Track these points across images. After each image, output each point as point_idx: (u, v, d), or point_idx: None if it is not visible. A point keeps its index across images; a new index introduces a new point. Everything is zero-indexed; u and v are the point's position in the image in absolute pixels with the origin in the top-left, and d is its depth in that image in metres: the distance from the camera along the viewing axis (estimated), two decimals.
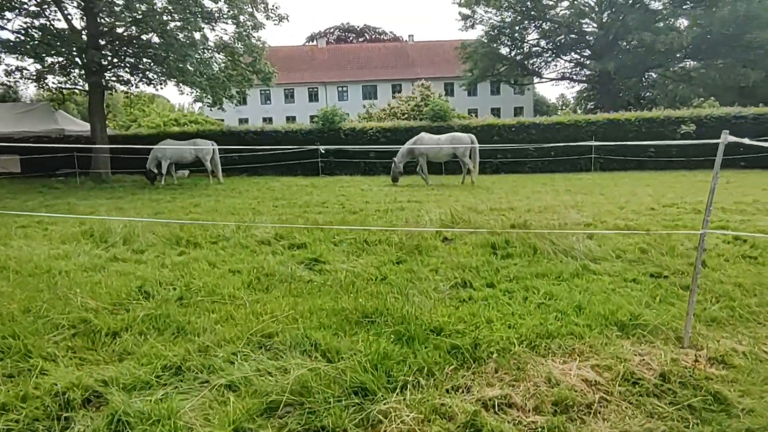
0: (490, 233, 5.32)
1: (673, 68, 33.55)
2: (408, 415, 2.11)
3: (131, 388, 2.30)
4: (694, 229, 6.06)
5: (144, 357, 2.61)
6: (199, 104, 23.00)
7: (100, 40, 15.64)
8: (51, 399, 2.19)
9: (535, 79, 40.06)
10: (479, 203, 8.81)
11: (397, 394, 2.28)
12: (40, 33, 14.83)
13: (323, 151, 17.48)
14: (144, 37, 15.86)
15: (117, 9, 14.38)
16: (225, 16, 16.24)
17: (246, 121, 40.31)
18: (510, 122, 19.34)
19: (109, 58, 16.28)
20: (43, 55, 14.96)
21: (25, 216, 7.68)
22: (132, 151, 16.52)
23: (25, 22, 15.05)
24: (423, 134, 14.10)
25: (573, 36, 34.34)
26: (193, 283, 3.91)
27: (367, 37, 57.98)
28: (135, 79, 17.55)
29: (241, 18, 16.57)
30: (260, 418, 2.12)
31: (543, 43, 36.09)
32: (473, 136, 13.54)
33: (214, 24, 16.34)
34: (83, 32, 15.70)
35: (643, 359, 2.65)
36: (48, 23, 15.25)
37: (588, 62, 35.22)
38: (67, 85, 17.90)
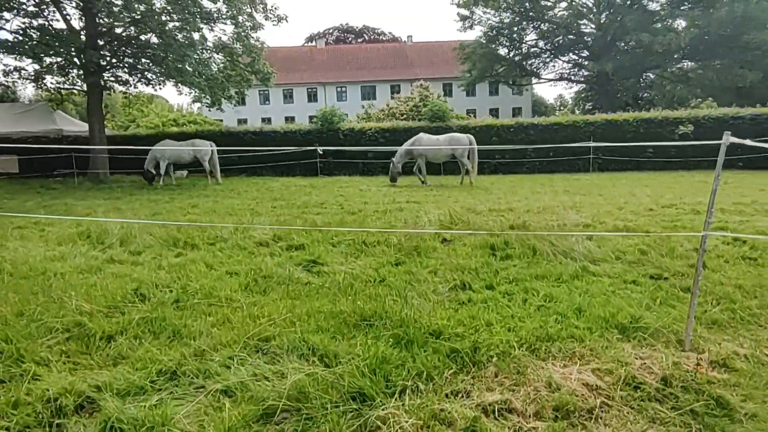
0: (490, 234, 5.30)
1: (670, 69, 33.62)
2: (407, 421, 2.08)
3: (125, 394, 2.26)
4: (694, 230, 6.04)
5: (139, 361, 2.57)
6: (198, 104, 22.90)
7: (98, 41, 15.60)
8: (43, 405, 2.15)
9: (534, 80, 40.10)
10: (478, 204, 8.79)
11: (396, 399, 2.25)
12: (39, 33, 14.78)
13: (321, 152, 17.45)
14: (143, 37, 15.82)
15: (116, 9, 14.34)
16: (224, 16, 16.21)
17: (245, 121, 40.26)
18: (508, 123, 19.34)
19: (108, 59, 16.23)
20: (42, 55, 14.91)
21: (22, 217, 7.63)
22: (130, 152, 16.48)
23: (24, 23, 15.02)
24: (421, 135, 14.07)
25: (571, 37, 34.39)
26: (189, 285, 3.88)
27: (366, 37, 58.00)
28: (133, 80, 17.52)
29: (240, 18, 16.54)
30: (256, 424, 2.09)
31: (541, 43, 36.15)
32: (472, 137, 13.52)
33: (212, 24, 16.32)
34: (82, 32, 15.65)
35: (645, 363, 2.62)
36: (46, 23, 15.21)
37: (586, 63, 35.28)
38: (66, 86, 17.85)
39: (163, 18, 14.96)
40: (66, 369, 2.51)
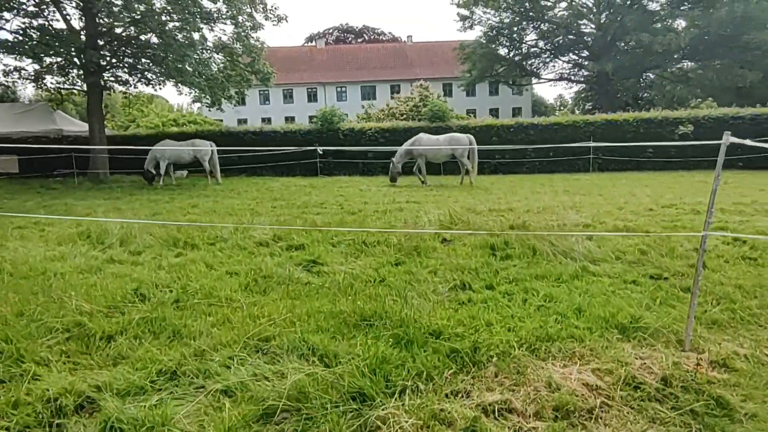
0: (490, 234, 5.30)
1: (670, 69, 33.63)
2: (407, 421, 2.08)
3: (125, 394, 2.26)
4: (694, 230, 6.05)
5: (139, 361, 2.57)
6: (198, 105, 22.92)
7: (98, 41, 15.60)
8: (43, 405, 2.15)
9: (534, 80, 40.11)
10: (478, 204, 8.79)
11: (396, 399, 2.25)
12: (39, 33, 14.78)
13: (321, 152, 17.46)
14: (143, 37, 15.82)
15: (115, 9, 14.34)
16: (224, 16, 16.21)
17: (245, 121, 40.26)
18: (508, 123, 19.34)
19: (108, 59, 16.23)
20: (42, 55, 14.91)
21: (22, 217, 7.63)
22: (130, 152, 16.48)
23: (24, 23, 15.02)
24: (421, 135, 14.07)
25: (571, 37, 34.40)
26: (189, 285, 3.87)
27: (366, 37, 58.00)
28: (133, 80, 17.51)
29: (240, 18, 16.54)
30: (256, 424, 2.09)
31: (541, 43, 36.16)
32: (472, 137, 13.51)
33: (212, 24, 16.32)
34: (82, 32, 15.65)
35: (644, 363, 2.63)
36: (46, 23, 15.21)
37: (586, 63, 35.28)
38: (66, 86, 17.85)
39: (163, 18, 14.96)
40: (66, 369, 2.51)
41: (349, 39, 57.75)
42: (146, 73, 17.04)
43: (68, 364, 2.57)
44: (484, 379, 2.46)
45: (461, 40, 36.31)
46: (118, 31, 15.87)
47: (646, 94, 38.41)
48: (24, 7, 14.82)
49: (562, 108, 54.14)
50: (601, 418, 2.16)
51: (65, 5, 15.39)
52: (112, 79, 17.38)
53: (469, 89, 38.41)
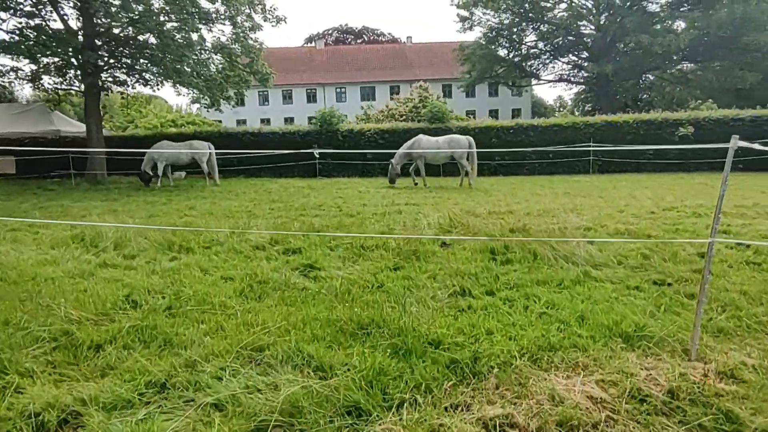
0: (489, 238, 5.21)
1: (670, 70, 33.64)
2: None
3: (111, 408, 2.17)
4: (696, 233, 5.97)
5: (127, 372, 2.48)
6: (197, 105, 22.81)
7: (96, 41, 15.51)
8: (24, 421, 2.06)
9: (533, 81, 40.09)
10: (477, 206, 8.71)
11: (393, 413, 2.16)
12: (36, 33, 14.69)
13: (318, 155, 17.39)
14: (141, 37, 15.74)
15: (113, 9, 14.27)
16: (222, 17, 16.14)
17: (244, 122, 40.19)
18: (508, 124, 19.29)
19: (106, 59, 16.14)
20: (39, 55, 14.83)
21: (15, 220, 7.53)
22: (128, 153, 16.38)
23: (20, 23, 14.92)
24: (421, 136, 14.00)
25: (571, 38, 34.39)
26: (183, 291, 3.79)
27: (366, 38, 57.97)
28: (131, 80, 17.42)
29: (239, 19, 16.48)
30: None
31: (541, 45, 36.16)
32: (471, 139, 13.44)
33: (211, 25, 16.25)
34: (79, 33, 15.56)
35: (650, 374, 2.54)
36: (43, 23, 15.11)
37: (586, 64, 35.27)
38: (63, 86, 17.75)
39: (161, 18, 14.89)
40: (51, 381, 2.42)
41: (349, 40, 57.71)
42: (144, 73, 16.96)
43: (54, 376, 2.48)
44: (485, 392, 2.37)
45: (461, 41, 36.31)
46: (116, 31, 15.78)
47: (645, 96, 38.40)
48: (21, 6, 14.73)
49: (561, 109, 54.12)
50: None
51: (62, 5, 15.31)
52: (109, 79, 17.29)
53: (468, 90, 38.42)
